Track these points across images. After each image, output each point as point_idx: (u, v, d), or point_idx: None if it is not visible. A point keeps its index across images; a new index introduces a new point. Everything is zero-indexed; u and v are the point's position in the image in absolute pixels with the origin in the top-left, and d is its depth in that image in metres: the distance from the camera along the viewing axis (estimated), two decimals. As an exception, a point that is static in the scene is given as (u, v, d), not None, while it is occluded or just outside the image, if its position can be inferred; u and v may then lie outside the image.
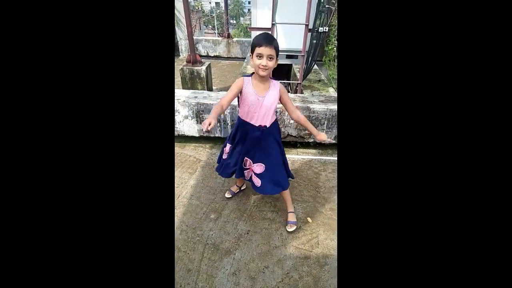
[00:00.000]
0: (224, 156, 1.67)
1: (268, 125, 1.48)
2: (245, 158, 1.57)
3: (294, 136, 2.53)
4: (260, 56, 1.26)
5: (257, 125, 1.46)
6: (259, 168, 1.56)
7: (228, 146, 1.63)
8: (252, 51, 1.29)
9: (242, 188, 1.98)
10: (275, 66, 1.34)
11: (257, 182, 1.57)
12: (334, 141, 1.69)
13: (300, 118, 1.52)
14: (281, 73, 4.58)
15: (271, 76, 1.43)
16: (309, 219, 1.75)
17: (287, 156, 2.44)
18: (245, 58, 5.44)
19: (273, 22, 2.82)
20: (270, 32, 1.23)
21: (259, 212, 1.79)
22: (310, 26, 2.94)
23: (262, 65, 1.27)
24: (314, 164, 2.34)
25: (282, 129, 2.49)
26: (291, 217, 1.68)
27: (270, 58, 1.27)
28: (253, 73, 1.39)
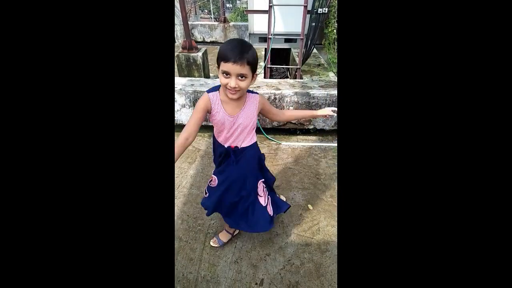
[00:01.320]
0: (207, 195, 1.31)
1: (244, 146, 1.16)
2: (258, 182, 1.27)
3: (294, 123, 2.50)
4: (227, 74, 0.91)
5: (233, 146, 1.16)
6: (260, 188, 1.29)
7: (215, 178, 1.26)
8: (218, 64, 0.94)
9: (234, 234, 1.52)
10: (252, 83, 1.00)
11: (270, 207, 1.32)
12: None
13: (291, 114, 1.27)
14: (280, 57, 4.48)
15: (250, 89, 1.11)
16: (309, 206, 1.75)
17: (288, 143, 2.43)
18: (242, 43, 5.33)
19: (271, 4, 2.72)
20: (246, 39, 0.85)
21: (260, 200, 1.79)
22: (309, 8, 2.84)
23: (231, 87, 0.92)
24: (314, 151, 2.32)
25: (282, 116, 2.46)
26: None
27: (242, 76, 0.92)
28: (216, 87, 1.07)
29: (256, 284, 1.29)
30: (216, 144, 1.20)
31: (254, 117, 1.10)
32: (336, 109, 1.19)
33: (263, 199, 1.28)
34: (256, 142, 1.21)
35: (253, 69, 0.95)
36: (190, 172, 2.05)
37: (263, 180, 1.29)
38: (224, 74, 0.92)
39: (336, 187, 1.90)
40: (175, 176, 2.00)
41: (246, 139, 1.15)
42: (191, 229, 1.58)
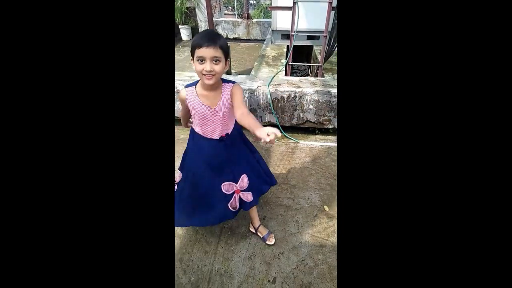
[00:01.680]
0: (177, 197, 1.31)
1: (230, 131, 1.21)
2: (223, 184, 1.26)
3: (313, 122, 2.47)
4: (201, 60, 0.98)
5: (216, 137, 1.20)
6: (244, 181, 1.30)
7: (178, 174, 1.32)
8: (192, 54, 1.01)
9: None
10: (226, 69, 1.06)
11: (248, 197, 1.32)
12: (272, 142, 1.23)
13: (245, 121, 1.02)
14: (301, 55, 4.41)
15: (224, 79, 1.14)
16: (325, 207, 1.72)
17: (306, 142, 2.41)
18: (264, 40, 5.29)
19: (295, 1, 2.68)
20: (215, 29, 1.08)
21: (275, 198, 1.80)
22: (334, 4, 2.77)
23: (206, 71, 0.98)
24: (333, 151, 2.28)
25: (301, 115, 2.43)
26: (264, 230, 1.52)
27: (216, 60, 0.99)
28: (198, 80, 1.11)
29: (269, 281, 1.31)
30: (196, 139, 1.24)
31: (231, 104, 1.13)
32: (275, 131, 0.83)
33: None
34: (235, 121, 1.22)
35: (226, 54, 1.02)
36: (208, 167, 2.10)
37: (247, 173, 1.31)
38: (199, 61, 0.99)
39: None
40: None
41: (231, 124, 1.22)
42: (207, 223, 1.62)
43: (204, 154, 1.24)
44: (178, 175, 1.35)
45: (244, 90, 2.37)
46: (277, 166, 2.10)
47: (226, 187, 1.28)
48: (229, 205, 1.29)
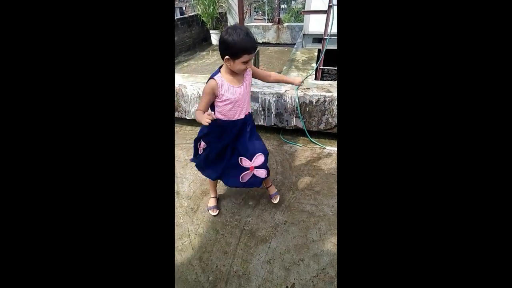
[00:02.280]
0: (201, 151, 1.53)
1: (250, 111, 1.42)
2: (241, 158, 1.44)
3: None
4: (245, 62, 1.16)
5: (243, 117, 1.36)
6: (259, 159, 1.45)
7: (203, 144, 1.50)
8: (235, 55, 1.13)
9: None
10: None
11: (262, 174, 1.48)
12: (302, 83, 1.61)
13: (275, 77, 1.51)
14: (330, 59, 4.32)
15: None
16: (351, 216, 1.65)
17: (333, 148, 2.34)
18: (294, 44, 5.26)
19: (330, 4, 2.63)
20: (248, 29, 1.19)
21: (298, 204, 1.76)
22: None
23: (246, 69, 1.22)
24: (361, 159, 2.18)
25: (330, 120, 2.37)
26: (272, 190, 1.73)
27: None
28: (220, 67, 1.27)
29: (287, 287, 1.27)
30: (220, 125, 1.36)
31: (251, 80, 1.38)
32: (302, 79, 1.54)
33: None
34: None
35: None
36: (232, 168, 2.11)
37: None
38: (243, 63, 1.16)
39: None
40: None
41: (249, 103, 1.40)
42: (228, 223, 1.62)
43: (227, 133, 1.38)
44: (202, 144, 1.51)
45: (272, 94, 2.37)
46: (301, 171, 2.06)
47: (243, 162, 1.44)
48: (240, 178, 1.47)
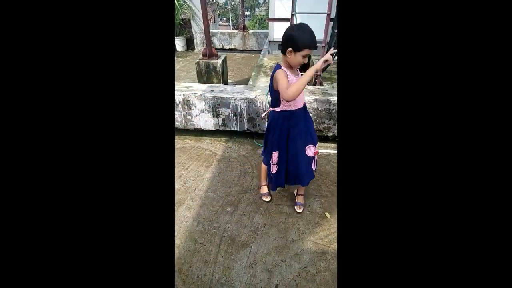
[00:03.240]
0: (274, 170, 1.59)
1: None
2: (307, 146, 1.53)
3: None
4: (305, 56, 1.27)
5: (302, 105, 1.47)
6: (312, 150, 1.54)
7: (276, 154, 1.55)
8: (297, 49, 1.24)
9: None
10: None
11: (314, 165, 1.61)
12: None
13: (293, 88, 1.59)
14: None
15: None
16: (327, 214, 1.72)
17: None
18: (261, 50, 5.36)
19: (293, 13, 2.74)
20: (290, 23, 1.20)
21: (276, 206, 1.78)
22: (332, 15, 2.84)
23: (302, 63, 1.30)
24: (333, 158, 2.29)
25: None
26: (299, 198, 1.78)
27: None
28: (279, 65, 1.38)
29: (271, 290, 1.28)
30: (284, 114, 1.45)
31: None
32: (335, 50, 1.39)
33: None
34: None
35: None
36: (206, 175, 2.08)
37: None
38: (303, 56, 1.26)
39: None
40: (192, 179, 2.04)
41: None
42: (207, 232, 1.59)
43: (288, 124, 1.47)
44: (276, 156, 1.55)
45: (242, 99, 2.39)
46: (276, 173, 2.10)
47: (309, 150, 1.52)
48: (312, 166, 1.58)
